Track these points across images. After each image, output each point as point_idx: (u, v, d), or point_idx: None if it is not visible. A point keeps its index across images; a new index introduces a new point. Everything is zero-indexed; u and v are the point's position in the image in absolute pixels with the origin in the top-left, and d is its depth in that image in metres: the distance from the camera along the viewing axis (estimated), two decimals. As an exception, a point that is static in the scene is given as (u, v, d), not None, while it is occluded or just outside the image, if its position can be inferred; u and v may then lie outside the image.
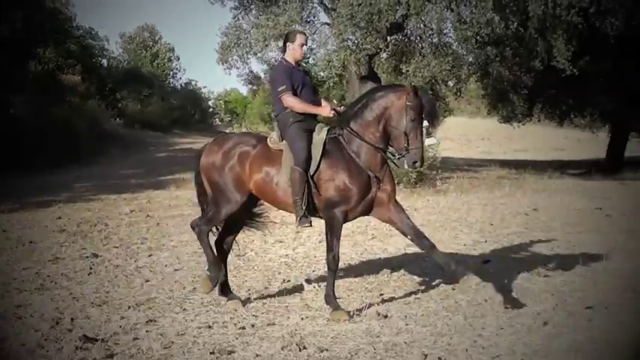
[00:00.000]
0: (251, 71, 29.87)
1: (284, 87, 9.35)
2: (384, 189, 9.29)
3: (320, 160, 9.16)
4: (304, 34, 10.17)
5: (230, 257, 12.36)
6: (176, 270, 11.75)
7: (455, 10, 24.09)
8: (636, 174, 30.81)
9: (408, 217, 9.50)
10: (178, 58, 51.57)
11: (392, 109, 9.15)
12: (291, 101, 9.34)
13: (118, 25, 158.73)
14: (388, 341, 7.96)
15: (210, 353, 7.54)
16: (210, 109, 55.64)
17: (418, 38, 25.27)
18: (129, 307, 9.44)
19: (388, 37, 25.24)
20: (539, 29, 25.64)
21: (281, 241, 13.69)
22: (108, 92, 40.76)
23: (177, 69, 51.59)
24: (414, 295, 9.89)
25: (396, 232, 14.00)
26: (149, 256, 12.91)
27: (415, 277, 11.11)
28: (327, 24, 26.49)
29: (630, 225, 16.32)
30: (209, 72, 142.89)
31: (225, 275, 9.91)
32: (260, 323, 8.70)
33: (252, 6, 27.88)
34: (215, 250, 9.92)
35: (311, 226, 9.40)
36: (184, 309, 9.42)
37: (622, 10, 25.38)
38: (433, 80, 24.29)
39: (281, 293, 10.11)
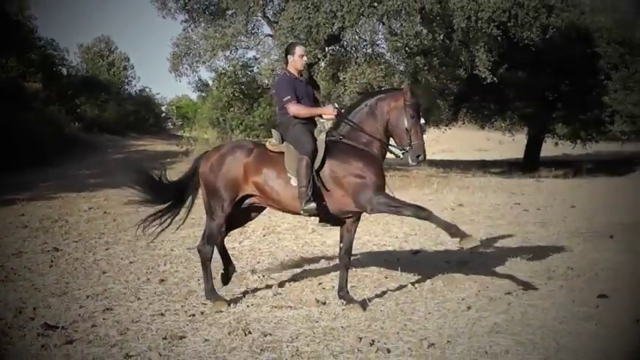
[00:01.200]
0: (200, 79, 29.67)
1: (288, 97, 9.21)
2: None
3: (325, 159, 8.96)
4: (303, 45, 10.15)
5: (181, 251, 12.41)
6: (131, 262, 11.67)
7: (386, 23, 24.23)
8: (550, 172, 31.19)
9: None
10: (133, 67, 51.23)
11: (392, 110, 9.08)
12: (296, 109, 9.19)
13: (77, 37, 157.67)
14: (326, 326, 8.00)
15: (163, 339, 7.52)
16: (163, 114, 55.16)
17: (353, 49, 25.34)
18: (87, 297, 9.38)
19: (326, 48, 25.31)
20: (463, 41, 25.92)
21: (228, 235, 13.63)
22: (68, 98, 40.33)
23: (132, 77, 51.22)
24: (350, 284, 9.89)
25: (336, 227, 14.15)
26: (106, 249, 12.81)
27: (351, 267, 11.14)
28: (271, 35, 26.49)
29: (544, 218, 16.56)
30: (162, 80, 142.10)
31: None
32: (209, 311, 8.70)
33: (201, 19, 27.83)
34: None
35: (317, 213, 9.07)
36: (139, 298, 9.36)
37: (537, 23, 25.69)
38: (368, 87, 24.34)
39: (229, 283, 10.07)
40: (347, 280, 9.27)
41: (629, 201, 19.70)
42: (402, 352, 7.20)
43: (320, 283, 10.08)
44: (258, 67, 27.01)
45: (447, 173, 28.78)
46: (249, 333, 7.67)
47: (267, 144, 9.38)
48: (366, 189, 8.81)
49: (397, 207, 8.91)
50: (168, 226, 9.96)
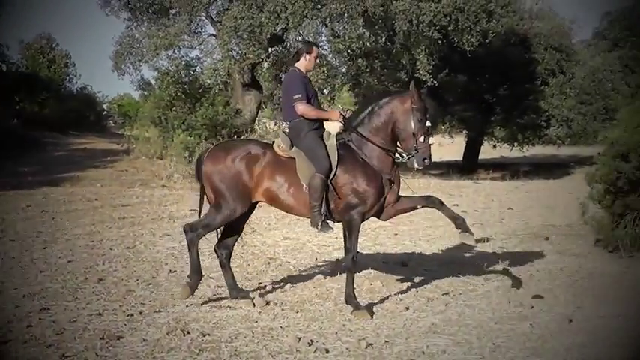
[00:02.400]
0: (142, 78, 29.43)
1: (299, 95, 8.98)
2: (393, 191, 9.13)
3: (337, 166, 8.86)
4: (317, 47, 9.96)
5: (120, 250, 12.26)
6: (69, 261, 11.47)
7: (329, 26, 24.29)
8: (488, 174, 31.49)
9: (406, 197, 9.42)
10: (74, 64, 50.60)
11: (399, 113, 8.98)
12: (304, 109, 8.98)
13: (18, 34, 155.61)
14: (265, 326, 7.97)
15: (100, 338, 7.40)
16: (105, 112, 54.65)
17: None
18: (23, 296, 9.17)
19: (269, 49, 25.27)
20: (405, 44, 26.09)
21: (168, 235, 13.51)
22: (6, 95, 39.73)
23: (73, 74, 50.59)
24: (289, 284, 9.90)
25: (275, 226, 14.12)
26: (44, 248, 12.57)
27: (291, 267, 11.14)
28: (214, 35, 26.38)
29: (482, 219, 16.71)
30: (104, 78, 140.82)
31: (233, 277, 9.39)
32: (147, 310, 8.58)
33: (144, 17, 27.64)
34: (217, 255, 9.46)
35: (332, 230, 9.01)
36: (76, 297, 9.19)
37: (477, 28, 25.92)
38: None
39: (168, 283, 9.99)
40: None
41: (564, 203, 19.93)
42: (341, 352, 7.20)
43: (259, 283, 10.05)
44: (201, 67, 26.91)
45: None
46: (188, 333, 7.60)
47: (275, 147, 9.09)
48: (353, 203, 8.84)
49: (350, 241, 8.99)
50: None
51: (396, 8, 24.15)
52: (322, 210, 8.73)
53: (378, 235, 13.47)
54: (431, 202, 9.34)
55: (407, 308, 8.89)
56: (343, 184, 8.83)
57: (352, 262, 8.92)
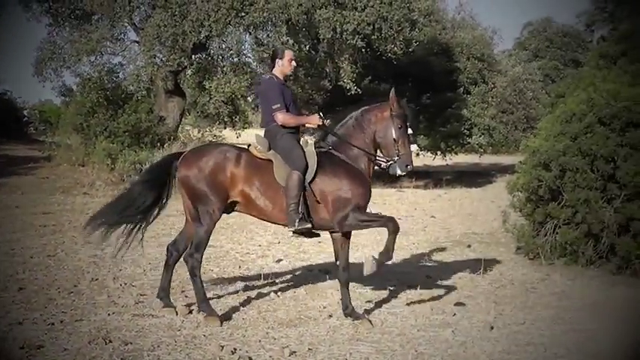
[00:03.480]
0: (64, 84, 29.00)
1: (278, 105, 8.92)
2: None
3: (316, 171, 8.77)
4: (292, 50, 9.83)
5: (41, 258, 12.06)
6: (-12, 270, 11.27)
7: (253, 33, 24.28)
8: (412, 182, 31.69)
9: None
10: (-6, 70, 49.87)
11: (379, 122, 9.02)
12: (284, 118, 8.92)
13: None
14: (188, 334, 7.94)
15: (20, 348, 7.27)
16: (25, 119, 53.80)
17: (220, 57, 25.28)
18: (-61, 307, 9.00)
19: (193, 56, 25.16)
20: (329, 52, 26.20)
21: (90, 243, 13.33)
22: None
23: (-7, 80, 49.87)
24: (212, 292, 9.86)
25: (227, 232, 14.04)
26: (-39, 256, 12.33)
27: (214, 275, 11.08)
28: (137, 42, 26.19)
29: (405, 227, 16.81)
30: (24, 83, 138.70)
31: (169, 282, 9.33)
32: (69, 319, 8.44)
33: (66, 23, 27.25)
34: (167, 252, 9.42)
35: (312, 228, 8.87)
36: (-5, 307, 9.05)
37: (400, 37, 26.15)
38: (233, 95, 24.33)
39: (89, 291, 9.87)
40: (350, 298, 9.12)
41: (485, 211, 20.21)
42: (264, 360, 7.22)
43: (183, 291, 9.98)
44: (123, 74, 26.67)
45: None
46: (110, 342, 7.51)
47: (252, 149, 9.03)
48: (345, 209, 8.76)
49: (369, 223, 9.01)
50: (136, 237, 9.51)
51: (319, 16, 24.24)
52: (300, 208, 8.65)
53: (301, 244, 13.48)
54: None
55: (330, 316, 8.93)
56: (331, 190, 8.78)
57: (394, 225, 8.94)
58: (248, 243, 13.74)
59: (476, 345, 8.11)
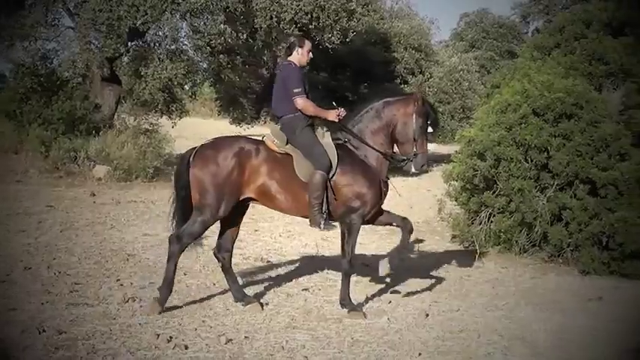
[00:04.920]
0: (-3, 70, 28.49)
1: (299, 90, 8.84)
2: (384, 194, 9.17)
3: (337, 165, 8.73)
4: (311, 40, 9.67)
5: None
6: None
7: (189, 21, 24.10)
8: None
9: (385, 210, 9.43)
10: None
11: (401, 117, 8.95)
12: (305, 104, 8.85)
13: None
14: (124, 323, 7.90)
15: (-49, 338, 7.20)
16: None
17: (156, 44, 25.05)
18: None
19: (129, 43, 24.91)
20: (266, 41, 26.09)
21: (23, 231, 13.15)
22: None
23: None
24: (148, 280, 9.82)
25: (135, 222, 13.95)
26: None
27: (150, 264, 11.02)
28: (72, 27, 25.82)
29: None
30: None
31: (236, 281, 9.20)
32: (1, 308, 8.30)
33: (-1, 8, 26.80)
34: (219, 259, 9.16)
35: (335, 227, 8.87)
36: None
37: (337, 27, 26.16)
38: (169, 83, 24.14)
39: (23, 280, 9.73)
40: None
41: (421, 200, 20.34)
42: (200, 349, 7.22)
43: (118, 279, 9.89)
44: (58, 60, 26.28)
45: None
46: (44, 331, 7.43)
47: (268, 142, 8.88)
48: (354, 205, 8.80)
49: (348, 245, 8.94)
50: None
51: (257, 5, 24.14)
52: (323, 209, 8.62)
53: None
54: (404, 223, 9.39)
55: (267, 304, 8.96)
56: (343, 185, 8.76)
57: (349, 265, 8.94)
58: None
59: (411, 332, 8.23)
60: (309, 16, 25.04)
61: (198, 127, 38.41)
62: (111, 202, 16.09)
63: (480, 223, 13.77)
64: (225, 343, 7.36)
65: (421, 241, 14.10)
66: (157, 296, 8.60)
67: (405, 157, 9.09)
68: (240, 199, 8.72)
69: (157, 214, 15.07)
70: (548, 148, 12.99)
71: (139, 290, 9.34)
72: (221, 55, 25.79)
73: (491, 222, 13.64)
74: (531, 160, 13.06)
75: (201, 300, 9.04)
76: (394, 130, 9.02)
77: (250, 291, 9.54)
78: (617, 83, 13.80)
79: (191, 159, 8.73)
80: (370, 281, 10.50)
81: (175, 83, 24.46)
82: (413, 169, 9.10)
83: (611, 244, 12.46)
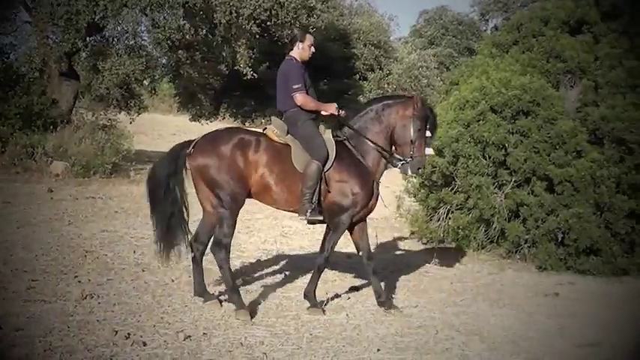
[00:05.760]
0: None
1: (299, 85, 8.87)
2: (375, 196, 9.13)
3: (333, 159, 8.72)
4: (312, 35, 9.60)
5: None
6: None
7: (149, 15, 23.95)
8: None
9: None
10: None
11: (400, 119, 8.93)
12: (304, 100, 8.88)
13: None
14: (82, 319, 7.82)
15: None
16: None
17: (115, 39, 24.89)
18: None
19: (87, 38, 24.72)
20: (225, 37, 26.02)
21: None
22: None
23: None
24: (106, 277, 9.75)
25: (92, 218, 13.85)
26: None
27: (108, 260, 10.94)
28: (29, 22, 25.59)
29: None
30: None
31: (202, 276, 9.13)
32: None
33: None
34: (192, 249, 9.13)
35: (321, 219, 8.82)
36: None
37: (297, 23, 26.17)
38: (128, 78, 23.99)
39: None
40: (381, 286, 9.26)
41: (382, 196, 20.37)
42: (158, 345, 7.19)
43: (75, 276, 9.81)
44: (15, 54, 26.03)
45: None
46: (0, 328, 7.34)
47: (269, 133, 8.89)
48: (344, 204, 8.80)
49: (329, 242, 8.98)
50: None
51: (216, 0, 24.11)
52: (313, 199, 8.58)
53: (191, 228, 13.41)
54: (369, 260, 9.33)
55: (226, 300, 8.95)
56: (336, 181, 8.76)
57: (324, 261, 8.98)
58: (143, 227, 13.58)
59: (369, 328, 8.26)
60: (268, 12, 25.02)
61: (157, 123, 38.24)
62: (69, 199, 15.97)
63: (439, 220, 13.85)
64: (184, 340, 7.34)
65: (380, 237, 14.15)
66: (235, 307, 8.47)
67: (403, 160, 9.11)
68: (249, 188, 8.70)
69: (115, 211, 15.00)
70: (506, 145, 13.10)
71: (97, 287, 9.26)
72: (180, 51, 25.70)
73: (450, 218, 13.73)
74: (489, 157, 13.16)
75: (160, 296, 9.00)
76: (393, 132, 9.06)
77: (209, 287, 9.51)
78: (574, 81, 13.92)
79: (188, 153, 8.68)
80: (329, 278, 10.52)
81: (134, 79, 24.35)
82: (409, 172, 9.17)
83: (567, 240, 12.58)
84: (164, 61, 27.45)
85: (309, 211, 8.61)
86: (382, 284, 9.58)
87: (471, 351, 7.78)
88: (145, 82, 27.01)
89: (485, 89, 13.44)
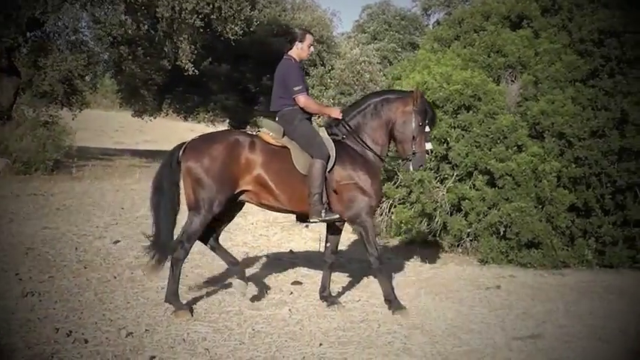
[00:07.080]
0: None
1: (300, 87, 8.72)
2: None
3: (335, 159, 8.56)
4: (313, 35, 9.44)
5: None
6: None
7: (90, 11, 23.76)
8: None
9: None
10: None
11: (400, 115, 8.83)
12: (307, 102, 8.75)
13: None
14: (23, 317, 7.73)
15: None
16: None
17: (56, 35, 24.67)
18: None
19: (28, 33, 24.45)
20: (167, 32, 25.89)
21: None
22: None
23: None
24: (48, 274, 9.65)
25: (34, 215, 13.71)
26: None
27: (50, 257, 10.81)
28: (-33, 17, 25.26)
29: (245, 208, 16.85)
30: None
31: (239, 268, 9.02)
32: None
33: None
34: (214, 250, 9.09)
35: (337, 216, 8.66)
36: None
37: (240, 17, 26.11)
38: (70, 74, 23.79)
39: None
40: (329, 282, 9.25)
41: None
42: (100, 342, 7.13)
43: (17, 274, 9.66)
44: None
45: (151, 163, 28.62)
46: (-61, 327, 7.28)
47: (263, 135, 8.74)
48: (360, 204, 8.67)
49: (369, 242, 8.83)
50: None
51: (159, -5, 24.00)
52: (323, 199, 8.47)
53: (140, 224, 13.32)
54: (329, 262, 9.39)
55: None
56: (345, 183, 8.65)
57: (379, 262, 8.91)
58: (85, 224, 13.48)
59: (312, 323, 8.28)
60: (211, 6, 24.94)
61: (99, 119, 37.93)
62: (10, 195, 15.79)
63: (381, 214, 13.92)
64: (126, 337, 7.30)
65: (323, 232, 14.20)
66: (175, 309, 8.26)
67: (402, 157, 9.16)
68: (236, 192, 8.55)
69: (56, 208, 14.86)
70: (448, 139, 13.20)
71: (39, 284, 9.17)
72: (122, 46, 25.54)
73: (392, 213, 13.80)
74: (431, 152, 13.26)
75: (102, 293, 8.93)
76: (393, 128, 8.99)
77: (151, 284, 9.45)
78: (515, 75, 14.04)
79: (181, 154, 8.56)
80: (272, 273, 10.54)
81: (76, 75, 24.17)
82: (411, 168, 9.12)
83: (508, 233, 12.70)
84: (106, 56, 27.31)
85: (323, 211, 8.50)
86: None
87: (412, 344, 7.82)
88: (86, 78, 26.82)
89: (427, 84, 13.52)
